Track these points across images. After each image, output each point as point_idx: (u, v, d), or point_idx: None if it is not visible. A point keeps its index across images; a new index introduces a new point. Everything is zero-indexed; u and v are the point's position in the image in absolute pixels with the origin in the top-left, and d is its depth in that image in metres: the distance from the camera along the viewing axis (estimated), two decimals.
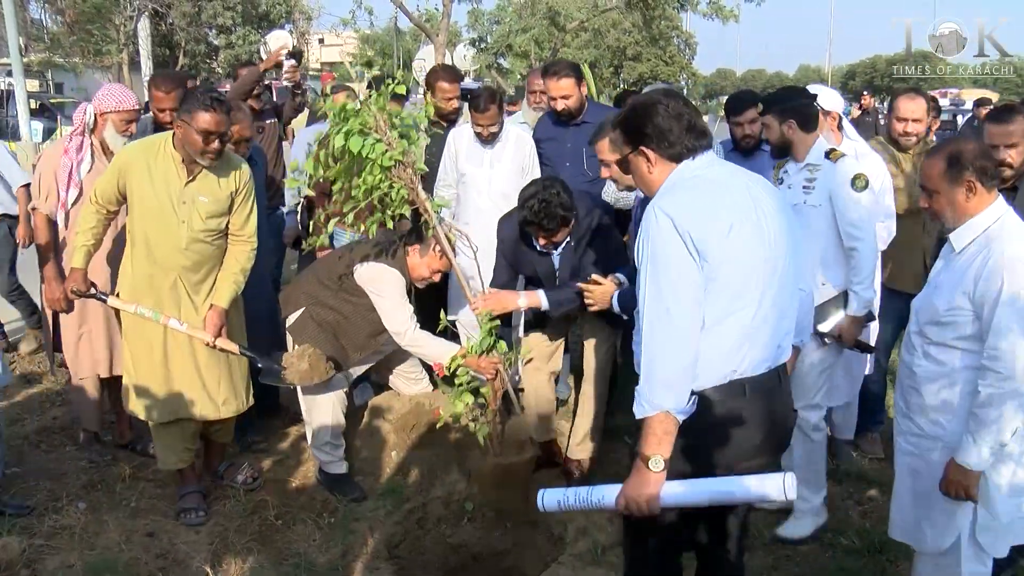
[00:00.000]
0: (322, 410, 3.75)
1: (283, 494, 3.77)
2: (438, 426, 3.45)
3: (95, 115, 3.80)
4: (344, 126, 3.10)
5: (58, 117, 16.07)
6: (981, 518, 2.46)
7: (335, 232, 4.45)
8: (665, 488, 2.10)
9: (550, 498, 2.37)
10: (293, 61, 5.29)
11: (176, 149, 3.32)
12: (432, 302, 4.23)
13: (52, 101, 18.10)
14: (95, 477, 3.82)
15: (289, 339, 3.82)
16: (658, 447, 2.06)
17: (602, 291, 3.40)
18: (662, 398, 2.06)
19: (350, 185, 3.24)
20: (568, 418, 4.15)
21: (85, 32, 22.91)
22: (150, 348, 3.43)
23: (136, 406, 3.48)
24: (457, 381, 3.50)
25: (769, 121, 3.41)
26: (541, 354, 3.84)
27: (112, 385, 3.96)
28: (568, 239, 3.58)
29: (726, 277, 2.08)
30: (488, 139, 4.36)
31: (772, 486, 2.09)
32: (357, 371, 4.03)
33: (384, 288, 3.70)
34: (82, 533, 3.37)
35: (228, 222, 3.46)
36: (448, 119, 4.72)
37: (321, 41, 39.75)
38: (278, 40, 6.47)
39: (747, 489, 2.13)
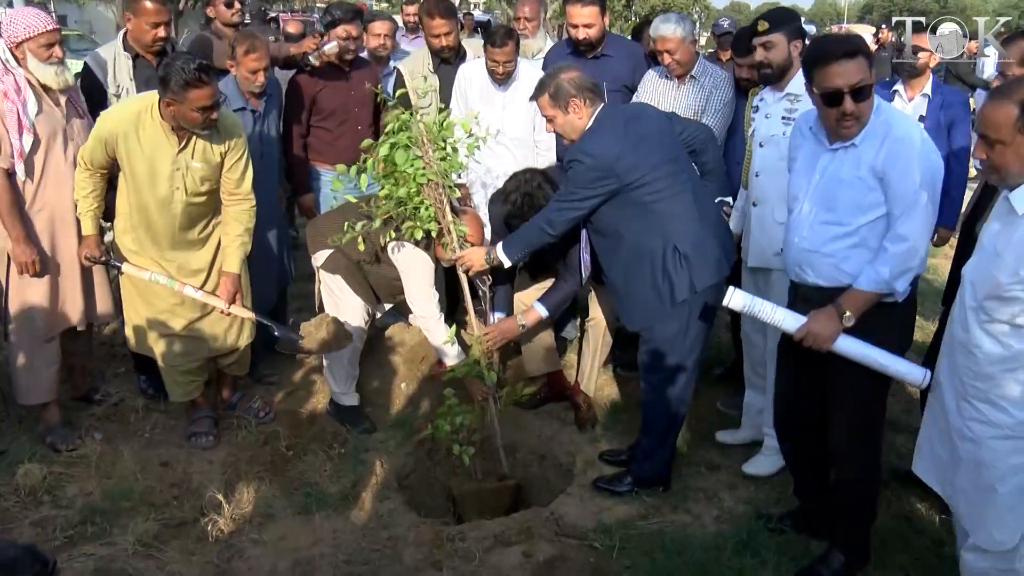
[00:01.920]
0: None
1: (294, 426, 3.82)
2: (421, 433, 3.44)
3: (11, 50, 3.25)
4: (392, 138, 3.17)
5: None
6: None
7: (320, 172, 4.37)
8: (841, 338, 2.50)
9: (738, 298, 2.65)
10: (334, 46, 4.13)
11: (164, 119, 3.22)
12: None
13: None
14: (110, 409, 3.87)
15: (319, 274, 3.76)
16: (858, 308, 2.49)
17: (473, 254, 3.36)
18: (901, 282, 2.47)
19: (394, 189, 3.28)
20: (576, 353, 4.17)
21: None
22: (162, 292, 3.45)
23: (149, 347, 3.54)
24: (445, 400, 3.45)
25: (778, 39, 3.13)
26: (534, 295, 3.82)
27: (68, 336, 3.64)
28: None
29: None
30: (502, 78, 4.07)
31: (917, 372, 2.51)
32: (382, 309, 4.01)
33: (416, 271, 3.54)
34: (99, 462, 3.44)
35: (221, 178, 3.41)
36: (446, 59, 4.36)
37: None
38: None
39: (896, 365, 2.52)
